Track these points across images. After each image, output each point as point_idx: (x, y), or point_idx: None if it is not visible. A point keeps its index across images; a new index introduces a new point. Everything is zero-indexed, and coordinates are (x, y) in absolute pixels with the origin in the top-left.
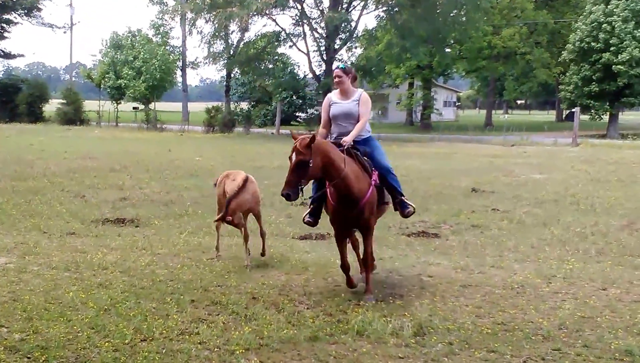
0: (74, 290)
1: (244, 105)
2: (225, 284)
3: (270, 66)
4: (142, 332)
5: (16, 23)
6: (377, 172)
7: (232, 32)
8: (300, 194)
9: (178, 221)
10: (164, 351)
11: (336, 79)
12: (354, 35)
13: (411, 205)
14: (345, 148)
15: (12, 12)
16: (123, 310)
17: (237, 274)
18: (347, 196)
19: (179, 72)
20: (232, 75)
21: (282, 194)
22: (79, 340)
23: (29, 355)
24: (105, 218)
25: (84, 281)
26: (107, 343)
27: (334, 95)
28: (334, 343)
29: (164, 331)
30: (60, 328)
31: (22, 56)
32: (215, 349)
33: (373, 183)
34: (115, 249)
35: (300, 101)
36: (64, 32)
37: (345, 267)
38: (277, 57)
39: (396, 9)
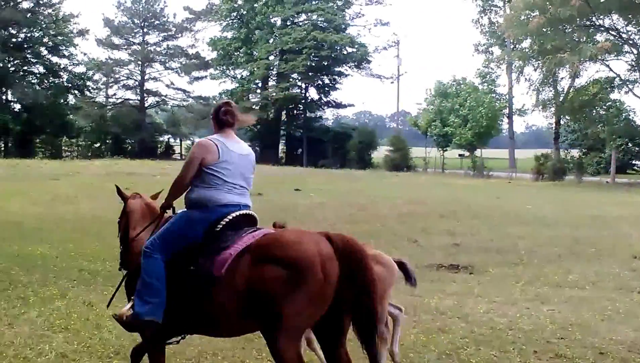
0: (415, 333)
1: (575, 152)
2: (568, 337)
3: (603, 113)
4: None
5: (347, 75)
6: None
7: (562, 78)
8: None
9: (513, 269)
10: None
11: None
12: None
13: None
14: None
15: (344, 65)
16: (465, 356)
17: (580, 327)
18: None
19: (505, 119)
20: (562, 121)
21: None
22: None
23: None
24: (439, 264)
25: (422, 324)
26: None
27: None
28: None
29: None
30: None
31: (352, 105)
32: None
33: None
34: (451, 294)
35: (637, 149)
36: (391, 83)
37: None
38: (610, 103)
39: None
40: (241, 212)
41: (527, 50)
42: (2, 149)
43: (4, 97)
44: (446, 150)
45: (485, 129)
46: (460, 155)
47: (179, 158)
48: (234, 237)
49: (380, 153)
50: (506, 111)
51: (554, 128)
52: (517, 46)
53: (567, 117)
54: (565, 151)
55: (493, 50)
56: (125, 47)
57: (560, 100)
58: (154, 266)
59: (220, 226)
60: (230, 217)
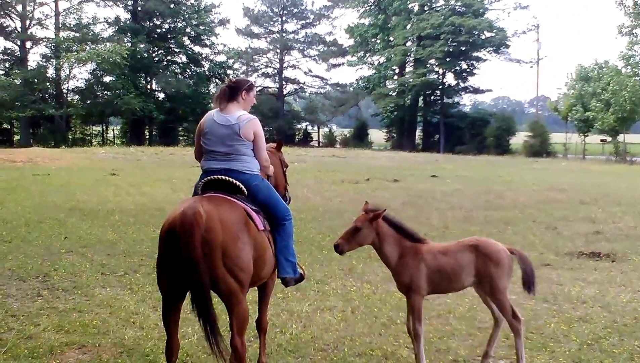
0: (555, 322)
1: None
2: None
3: None
4: None
5: (485, 60)
6: None
7: None
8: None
9: None
10: None
11: None
12: None
13: None
14: None
15: (482, 50)
16: (607, 346)
17: None
18: None
19: None
20: None
21: None
22: None
23: None
24: (579, 251)
25: (563, 313)
26: None
27: None
28: None
29: None
30: (545, 358)
31: (490, 91)
32: None
33: None
34: (592, 283)
35: None
36: (530, 67)
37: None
38: None
39: None
40: (210, 178)
41: None
42: (147, 137)
43: (148, 86)
44: (587, 135)
45: (628, 114)
46: (602, 140)
47: (317, 145)
48: None
49: (518, 139)
50: None
51: None
52: None
53: None
54: None
55: (637, 32)
56: (265, 35)
57: None
58: None
59: (199, 191)
60: (201, 183)
